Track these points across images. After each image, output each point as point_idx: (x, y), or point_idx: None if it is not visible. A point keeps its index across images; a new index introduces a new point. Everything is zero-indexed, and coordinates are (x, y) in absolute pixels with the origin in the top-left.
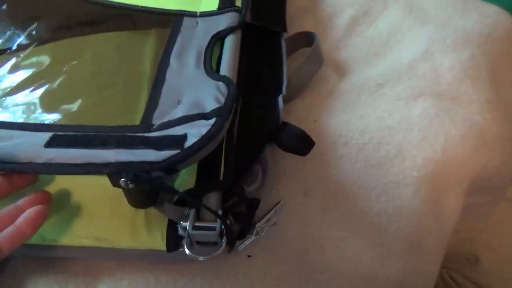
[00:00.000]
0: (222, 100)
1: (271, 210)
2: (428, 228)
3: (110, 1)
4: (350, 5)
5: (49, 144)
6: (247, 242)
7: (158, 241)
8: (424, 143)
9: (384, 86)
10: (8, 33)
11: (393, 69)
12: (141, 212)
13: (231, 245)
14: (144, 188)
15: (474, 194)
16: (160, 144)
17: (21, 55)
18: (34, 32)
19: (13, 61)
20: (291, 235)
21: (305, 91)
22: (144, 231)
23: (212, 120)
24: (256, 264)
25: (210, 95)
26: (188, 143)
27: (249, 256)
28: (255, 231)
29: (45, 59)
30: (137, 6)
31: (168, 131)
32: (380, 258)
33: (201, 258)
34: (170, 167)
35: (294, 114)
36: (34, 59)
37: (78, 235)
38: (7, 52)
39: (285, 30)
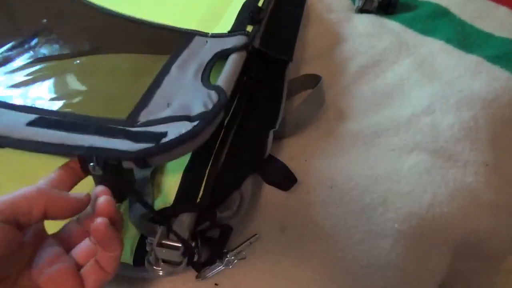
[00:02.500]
0: (210, 106)
1: (245, 241)
2: (405, 284)
3: (130, 16)
4: (362, 54)
5: (31, 123)
6: (215, 271)
7: (126, 254)
8: (410, 197)
9: (380, 136)
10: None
11: (392, 120)
12: None
13: (198, 270)
14: (114, 181)
15: (464, 259)
16: (138, 137)
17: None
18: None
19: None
20: (261, 270)
21: (303, 131)
22: None
23: (195, 123)
24: None
25: (199, 101)
26: (165, 139)
27: (216, 284)
28: (225, 261)
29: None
30: (154, 23)
31: (150, 128)
32: None
33: (160, 273)
34: (142, 160)
35: (287, 150)
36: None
37: None
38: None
39: (290, 59)
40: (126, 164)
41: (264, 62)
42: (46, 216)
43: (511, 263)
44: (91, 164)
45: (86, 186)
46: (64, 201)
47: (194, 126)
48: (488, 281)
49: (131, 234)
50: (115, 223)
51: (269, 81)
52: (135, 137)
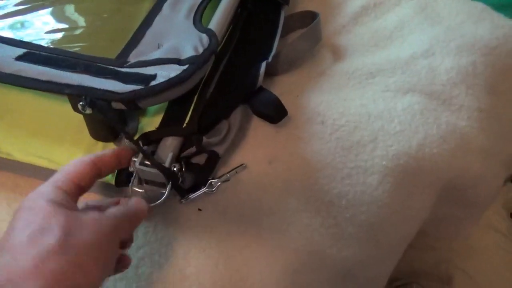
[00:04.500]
0: (201, 50)
1: (232, 170)
2: (388, 221)
3: None
4: None
5: (20, 58)
6: (198, 193)
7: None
8: (401, 136)
9: (376, 76)
10: None
11: (389, 61)
12: (100, 145)
13: (182, 196)
14: (104, 119)
15: (447, 204)
16: (127, 78)
17: None
18: None
19: None
20: (246, 199)
21: (296, 68)
22: None
23: (185, 67)
24: (204, 219)
25: (190, 44)
26: (154, 82)
27: (199, 209)
28: (208, 183)
29: None
30: None
31: (140, 69)
32: (331, 239)
33: (142, 191)
34: (131, 101)
35: (279, 86)
36: None
37: (33, 153)
38: None
39: (287, 2)
40: (115, 105)
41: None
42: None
43: (491, 219)
44: (81, 103)
45: None
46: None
47: (184, 70)
48: (466, 231)
49: None
50: None
51: (265, 15)
52: (125, 78)
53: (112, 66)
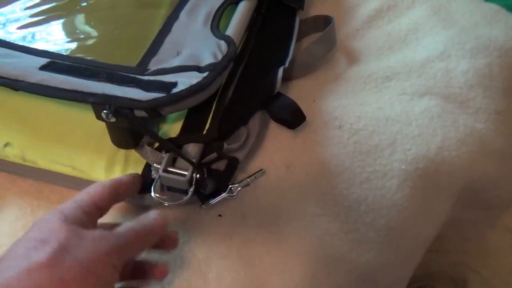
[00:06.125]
0: (220, 57)
1: (251, 175)
2: (407, 224)
3: None
4: None
5: (44, 67)
6: (218, 198)
7: None
8: (419, 139)
9: (392, 79)
10: None
11: (405, 64)
12: (122, 152)
13: (203, 202)
14: (127, 127)
15: (465, 207)
16: (149, 86)
17: None
18: None
19: None
20: (265, 204)
21: (312, 72)
22: (119, 168)
23: (205, 74)
24: (224, 225)
25: (209, 51)
26: (176, 90)
27: (219, 215)
28: (227, 189)
29: None
30: None
31: (161, 77)
32: (350, 244)
33: (166, 204)
34: (153, 109)
35: (295, 91)
36: None
37: (56, 160)
38: None
39: (301, 7)
40: (138, 113)
41: (275, 3)
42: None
43: (508, 221)
44: (105, 111)
45: None
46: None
47: (204, 77)
48: (482, 234)
49: (135, 162)
50: None
51: (280, 20)
52: (146, 86)
53: (133, 74)
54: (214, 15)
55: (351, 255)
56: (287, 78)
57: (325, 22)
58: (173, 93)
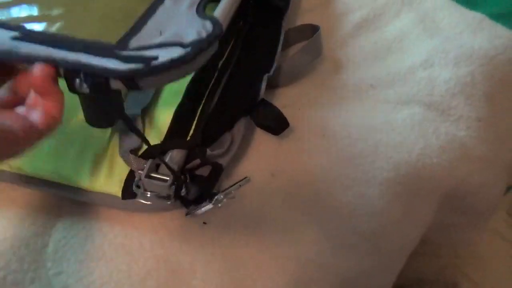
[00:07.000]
0: (204, 35)
1: (236, 183)
2: (389, 229)
3: None
4: (363, 6)
5: (16, 38)
6: (204, 209)
7: (115, 187)
8: (401, 147)
9: (376, 88)
10: None
11: (389, 73)
12: (107, 159)
13: (187, 206)
14: (102, 103)
15: (450, 212)
16: (128, 59)
17: None
18: None
19: None
20: (250, 210)
21: (298, 80)
22: (104, 174)
23: (188, 49)
24: (209, 231)
25: (193, 29)
26: (156, 62)
27: (204, 223)
28: (214, 199)
29: None
30: None
31: (141, 52)
32: (333, 250)
33: (149, 203)
34: (131, 80)
35: (280, 99)
36: None
37: (41, 167)
38: None
39: (286, 7)
40: (114, 84)
41: (261, 10)
42: None
43: (499, 226)
44: (77, 80)
45: None
46: None
47: (186, 51)
48: (469, 238)
49: (120, 169)
50: None
51: (266, 28)
52: (125, 59)
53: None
54: (200, 1)
55: (334, 260)
56: (273, 85)
57: (312, 30)
58: (153, 65)
